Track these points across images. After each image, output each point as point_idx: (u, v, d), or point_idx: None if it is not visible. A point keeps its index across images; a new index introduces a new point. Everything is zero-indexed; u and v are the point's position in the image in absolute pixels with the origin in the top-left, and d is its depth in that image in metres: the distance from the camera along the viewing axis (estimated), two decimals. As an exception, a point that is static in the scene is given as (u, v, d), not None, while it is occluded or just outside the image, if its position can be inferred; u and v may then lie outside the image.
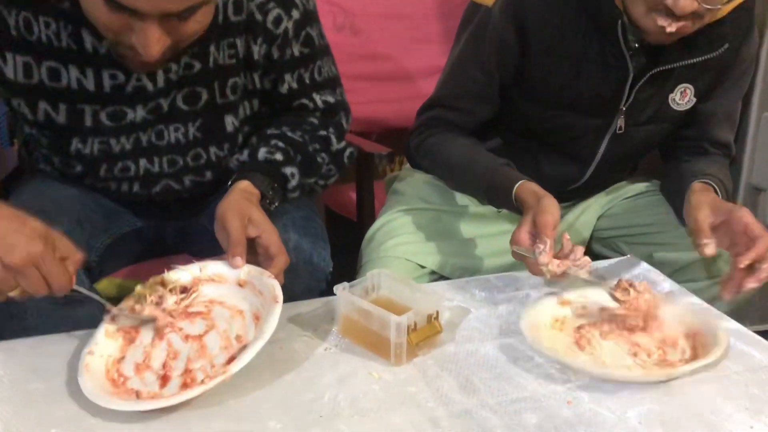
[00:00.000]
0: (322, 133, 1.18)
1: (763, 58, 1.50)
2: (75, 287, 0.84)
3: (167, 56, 0.93)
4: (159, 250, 1.29)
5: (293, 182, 1.12)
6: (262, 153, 1.11)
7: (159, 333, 0.89)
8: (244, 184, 1.05)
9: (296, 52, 1.14)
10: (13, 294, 0.80)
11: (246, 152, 1.13)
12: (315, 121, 1.19)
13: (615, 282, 1.00)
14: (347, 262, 1.28)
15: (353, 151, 1.24)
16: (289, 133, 1.15)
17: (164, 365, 0.85)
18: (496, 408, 0.79)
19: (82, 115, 1.04)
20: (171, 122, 1.09)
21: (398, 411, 0.79)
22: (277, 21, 1.09)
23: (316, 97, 1.19)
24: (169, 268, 0.96)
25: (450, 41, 2.05)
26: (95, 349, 0.85)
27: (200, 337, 0.89)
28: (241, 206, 0.98)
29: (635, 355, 0.89)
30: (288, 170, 1.11)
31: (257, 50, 1.10)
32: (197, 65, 1.06)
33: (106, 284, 1.22)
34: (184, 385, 0.81)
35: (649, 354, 0.89)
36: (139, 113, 1.06)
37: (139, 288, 0.91)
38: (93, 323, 0.92)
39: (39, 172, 1.21)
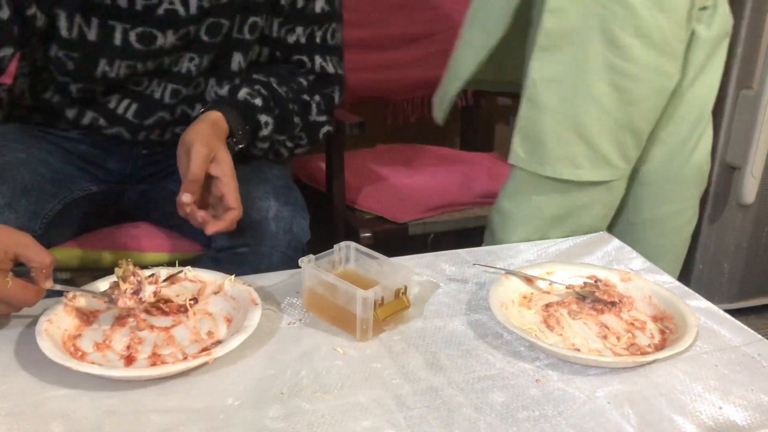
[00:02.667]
0: (305, 97, 1.16)
1: (742, 35, 1.49)
2: (49, 288, 0.81)
3: None
4: (114, 217, 1.24)
5: (264, 131, 1.09)
6: (242, 93, 1.09)
7: (120, 321, 0.86)
8: (216, 116, 1.02)
9: (317, 8, 1.14)
10: None
11: (226, 87, 1.11)
12: (304, 82, 1.17)
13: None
14: (317, 233, 1.24)
15: (331, 129, 1.21)
16: (275, 85, 1.13)
17: (128, 348, 0.81)
18: (463, 386, 0.77)
19: (112, 33, 1.02)
20: (189, 51, 1.09)
21: (362, 388, 0.76)
22: None
23: (317, 59, 1.18)
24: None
25: (424, 8, 2.02)
26: (54, 320, 0.82)
27: (167, 329, 0.85)
28: (210, 140, 0.96)
29: (605, 337, 0.88)
30: (263, 118, 1.09)
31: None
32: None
33: (65, 254, 1.17)
34: (153, 366, 0.77)
35: (619, 337, 0.88)
36: (169, 38, 1.05)
37: (118, 271, 0.86)
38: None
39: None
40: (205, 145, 0.94)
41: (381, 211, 1.54)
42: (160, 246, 1.20)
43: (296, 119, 1.13)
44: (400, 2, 2.00)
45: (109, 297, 0.85)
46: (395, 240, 1.48)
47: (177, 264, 0.96)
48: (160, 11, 1.02)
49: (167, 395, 0.74)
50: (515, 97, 2.20)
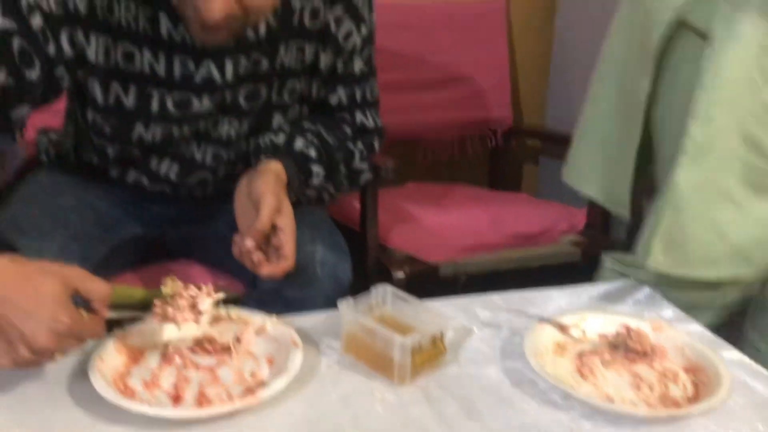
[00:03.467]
0: (350, 146, 1.19)
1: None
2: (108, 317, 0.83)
3: (232, 29, 0.93)
4: (159, 257, 1.28)
5: (315, 181, 1.13)
6: (299, 144, 1.12)
7: (166, 358, 0.89)
8: (278, 167, 1.05)
9: (356, 69, 1.16)
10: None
11: (282, 136, 1.14)
12: (348, 131, 1.20)
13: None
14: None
15: (370, 177, 1.25)
16: (324, 133, 1.16)
17: (175, 387, 0.84)
18: (500, 434, 0.79)
19: (149, 99, 1.05)
20: (227, 115, 1.11)
21: (401, 434, 0.78)
22: (348, 35, 1.11)
23: (358, 116, 1.21)
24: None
25: (457, 52, 2.07)
26: (105, 357, 0.85)
27: (212, 368, 0.88)
28: (277, 191, 0.99)
29: (638, 388, 0.89)
30: (315, 168, 1.12)
31: (324, 59, 1.12)
32: (264, 63, 1.08)
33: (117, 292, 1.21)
34: (199, 407, 0.80)
35: (651, 388, 0.89)
36: (204, 103, 1.07)
37: (165, 289, 0.88)
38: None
39: (42, 166, 1.21)
40: (275, 197, 0.97)
41: (413, 250, 1.57)
42: (207, 282, 1.24)
43: (342, 167, 1.17)
44: (431, 47, 2.05)
45: (165, 316, 0.87)
46: (427, 279, 1.51)
47: (221, 303, 0.99)
48: (197, 78, 1.05)
49: (214, 435, 0.77)
50: (544, 138, 2.24)
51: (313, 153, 1.12)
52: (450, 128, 2.11)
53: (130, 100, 1.05)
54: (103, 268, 1.15)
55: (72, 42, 0.98)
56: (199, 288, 0.88)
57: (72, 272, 0.79)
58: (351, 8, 1.11)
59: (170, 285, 0.87)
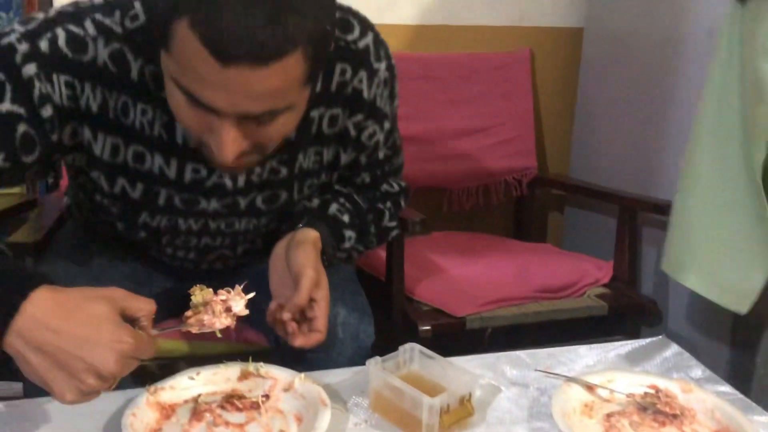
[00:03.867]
0: (380, 206, 1.20)
1: None
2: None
3: (250, 160, 0.90)
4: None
5: (346, 245, 1.13)
6: (333, 209, 1.13)
7: (197, 415, 0.90)
8: (315, 236, 1.05)
9: (381, 155, 1.16)
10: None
11: (316, 201, 1.14)
12: (377, 193, 1.21)
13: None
14: (375, 320, 1.28)
15: (399, 233, 1.26)
16: (355, 196, 1.17)
17: None
18: (528, 499, 0.79)
19: (157, 195, 1.04)
20: (244, 216, 1.10)
21: (429, 497, 0.78)
22: (371, 135, 1.11)
23: (384, 187, 1.22)
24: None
25: (483, 102, 2.11)
26: (138, 413, 0.86)
27: (241, 425, 0.89)
28: (317, 265, 1.00)
29: (668, 450, 0.88)
30: (348, 233, 1.13)
31: (345, 158, 1.12)
32: (284, 171, 1.06)
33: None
34: None
35: (683, 451, 0.88)
36: (212, 204, 1.06)
37: (195, 298, 0.86)
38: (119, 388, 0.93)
39: (79, 219, 1.23)
40: (315, 272, 0.97)
41: (439, 303, 1.57)
42: (230, 337, 1.26)
43: (372, 228, 1.18)
44: (456, 98, 2.09)
45: (201, 325, 0.86)
46: (453, 333, 1.51)
47: (250, 359, 1.00)
48: (208, 183, 1.04)
49: (243, 495, 0.77)
50: (568, 188, 2.25)
51: (346, 218, 1.12)
52: (475, 177, 2.13)
53: (136, 193, 1.03)
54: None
55: (74, 134, 0.96)
56: (229, 291, 0.86)
57: (115, 293, 0.77)
58: (373, 113, 1.09)
59: (199, 293, 0.85)
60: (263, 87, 0.77)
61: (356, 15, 1.05)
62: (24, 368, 0.73)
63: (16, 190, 1.66)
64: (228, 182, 1.04)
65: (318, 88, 1.01)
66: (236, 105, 0.79)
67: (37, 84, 0.88)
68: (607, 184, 2.03)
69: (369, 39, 1.04)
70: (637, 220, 1.82)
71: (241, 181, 1.05)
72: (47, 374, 0.71)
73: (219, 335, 0.87)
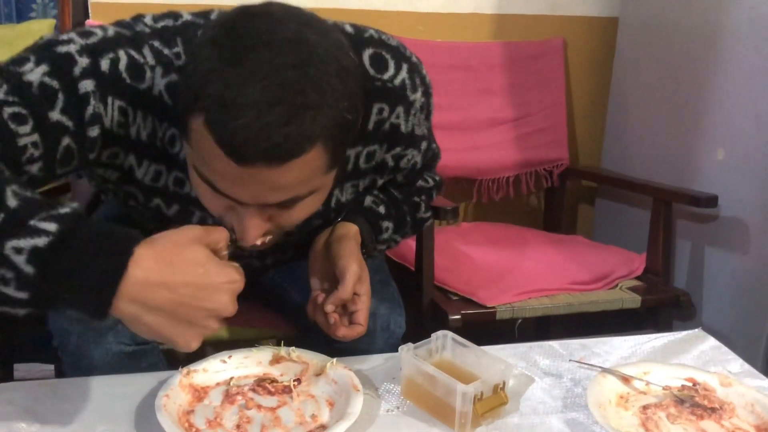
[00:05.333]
0: (416, 199, 1.19)
1: None
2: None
3: (275, 238, 0.89)
4: None
5: (384, 236, 1.13)
6: (368, 200, 1.12)
7: (229, 398, 0.90)
8: (355, 231, 1.05)
9: (418, 167, 1.14)
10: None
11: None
12: (412, 187, 1.20)
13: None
14: (405, 311, 1.27)
15: (433, 222, 1.24)
16: (390, 187, 1.16)
17: (238, 427, 0.85)
18: (563, 490, 0.77)
19: (191, 215, 1.02)
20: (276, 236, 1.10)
21: (462, 484, 0.77)
22: (409, 160, 1.10)
23: (419, 182, 1.21)
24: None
25: (515, 92, 2.08)
26: (171, 395, 0.87)
27: (273, 409, 0.89)
28: (360, 259, 0.99)
29: (707, 444, 0.87)
30: (385, 224, 1.12)
31: (382, 181, 1.12)
32: (320, 207, 1.05)
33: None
34: None
35: (722, 445, 0.86)
36: None
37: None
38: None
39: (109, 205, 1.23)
40: (359, 266, 0.97)
41: (469, 293, 1.56)
42: (260, 323, 1.26)
43: (408, 218, 1.17)
44: (488, 87, 2.07)
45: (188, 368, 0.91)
46: (483, 323, 1.50)
47: (282, 344, 1.00)
48: None
49: (276, 478, 0.77)
50: (600, 179, 2.22)
51: (382, 209, 1.12)
52: (506, 168, 2.11)
53: (171, 212, 1.02)
54: None
55: (114, 156, 0.93)
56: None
57: (194, 231, 0.75)
58: (412, 142, 1.07)
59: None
60: (282, 182, 0.76)
61: (389, 47, 1.01)
62: (139, 329, 0.72)
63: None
64: None
65: None
66: (256, 197, 0.78)
67: (92, 102, 0.84)
68: (639, 177, 2.00)
69: (404, 73, 1.01)
70: (671, 211, 1.78)
71: None
72: (169, 330, 0.71)
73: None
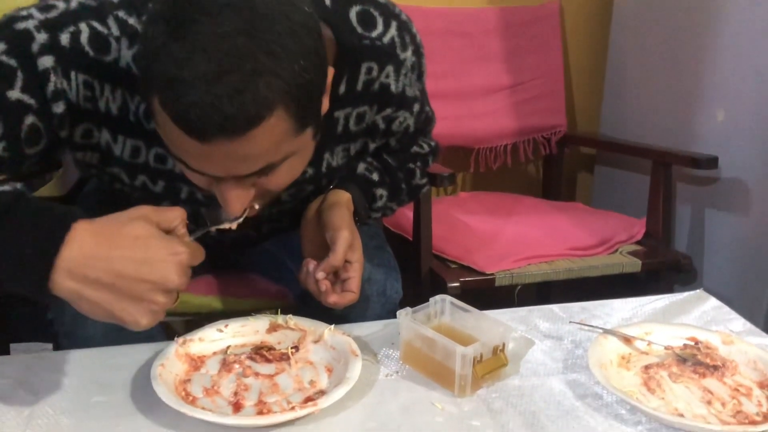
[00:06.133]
0: (411, 165, 1.17)
1: None
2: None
3: (265, 202, 0.87)
4: (213, 267, 1.30)
5: (379, 203, 1.11)
6: (361, 168, 1.10)
7: (226, 366, 0.89)
8: (347, 198, 1.03)
9: (411, 131, 1.12)
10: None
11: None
12: (407, 153, 1.18)
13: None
14: (403, 280, 1.26)
15: (429, 188, 1.22)
16: (384, 155, 1.14)
17: (236, 394, 0.84)
18: (565, 449, 0.77)
19: (179, 191, 1.01)
20: (269, 205, 1.06)
21: (463, 446, 0.77)
22: (401, 122, 1.08)
23: (414, 148, 1.19)
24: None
25: (511, 58, 2.05)
26: (167, 364, 0.86)
27: (271, 376, 0.88)
28: (352, 226, 0.98)
29: (709, 403, 0.86)
30: (379, 191, 1.11)
31: (374, 145, 1.09)
32: (310, 171, 1.03)
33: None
34: (260, 414, 0.80)
35: (724, 404, 0.85)
36: None
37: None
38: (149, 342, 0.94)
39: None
40: (351, 233, 0.96)
41: (468, 261, 1.55)
42: (256, 293, 1.25)
43: (403, 185, 1.15)
44: (484, 54, 2.04)
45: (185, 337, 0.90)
46: (482, 290, 1.49)
47: (278, 312, 0.99)
48: None
49: (275, 444, 0.76)
50: (598, 145, 2.20)
51: (375, 177, 1.10)
52: (503, 136, 2.09)
53: (158, 188, 1.00)
54: None
55: (87, 134, 0.91)
56: None
57: (143, 210, 0.74)
58: (403, 103, 1.05)
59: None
60: (248, 152, 0.73)
61: (377, 4, 0.98)
62: (83, 308, 0.70)
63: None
64: None
65: (342, 89, 0.98)
66: (228, 170, 0.76)
67: (52, 78, 0.82)
68: (639, 142, 1.98)
69: (393, 30, 0.98)
70: (671, 175, 1.76)
71: None
72: (113, 306, 0.69)
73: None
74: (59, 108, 0.84)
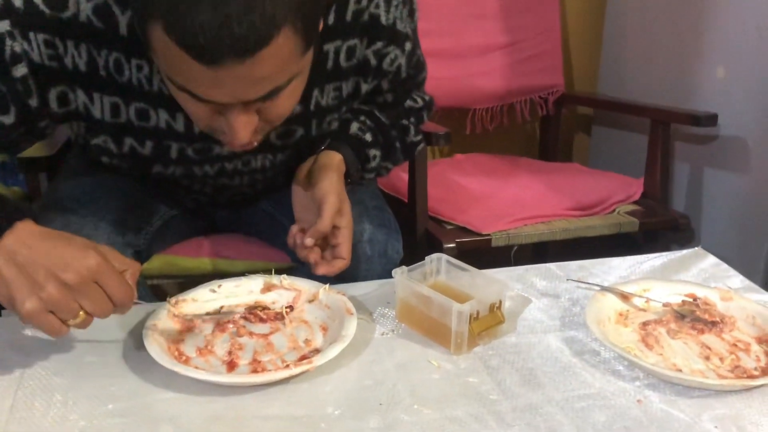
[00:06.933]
0: (404, 122, 1.15)
1: None
2: (137, 300, 0.78)
3: (264, 133, 0.86)
4: (208, 230, 1.29)
5: (373, 164, 1.09)
6: (354, 128, 1.08)
7: (220, 326, 0.88)
8: (339, 159, 1.02)
9: (404, 76, 1.10)
10: (74, 322, 0.72)
11: (335, 122, 1.09)
12: (400, 108, 1.16)
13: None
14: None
15: (424, 146, 1.21)
16: (377, 112, 1.12)
17: (230, 353, 0.83)
18: (563, 404, 0.76)
19: (168, 149, 0.99)
20: (260, 153, 1.06)
21: (460, 402, 0.76)
22: (393, 61, 1.05)
23: (407, 103, 1.17)
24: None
25: (507, 16, 2.01)
26: (159, 324, 0.85)
27: (266, 336, 0.87)
28: (341, 191, 0.96)
29: (707, 358, 0.85)
30: (372, 152, 1.08)
31: (366, 87, 1.06)
32: (297, 108, 1.00)
33: (159, 261, 1.22)
34: (254, 372, 0.79)
35: (722, 359, 0.85)
36: (226, 148, 0.99)
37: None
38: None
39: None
40: (338, 198, 0.94)
41: (464, 222, 1.54)
42: (251, 255, 1.23)
43: (398, 144, 1.13)
44: (479, 12, 2.00)
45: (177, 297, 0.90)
46: (478, 251, 1.48)
47: (273, 271, 0.98)
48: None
49: (269, 402, 0.76)
50: (596, 105, 2.17)
51: (368, 137, 1.08)
52: (499, 96, 2.06)
53: (146, 150, 0.99)
54: (156, 240, 1.15)
55: (64, 100, 0.91)
56: None
57: (104, 248, 0.75)
58: (394, 37, 1.02)
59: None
60: (257, 74, 0.72)
61: None
62: None
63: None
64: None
65: (332, 19, 0.95)
66: (236, 95, 0.75)
67: (8, 42, 0.82)
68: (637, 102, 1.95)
69: None
70: (669, 133, 1.74)
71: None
72: (12, 283, 0.69)
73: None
74: (19, 71, 0.84)
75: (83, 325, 0.73)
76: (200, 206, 1.21)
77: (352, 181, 1.05)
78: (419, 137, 1.19)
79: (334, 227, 0.95)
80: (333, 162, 1.01)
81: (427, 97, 1.19)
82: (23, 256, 0.70)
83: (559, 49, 2.08)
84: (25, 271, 0.70)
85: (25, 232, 0.72)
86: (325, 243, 0.96)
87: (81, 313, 0.72)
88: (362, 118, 1.10)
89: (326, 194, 0.94)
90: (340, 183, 0.98)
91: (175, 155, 1.01)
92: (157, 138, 0.97)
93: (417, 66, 1.12)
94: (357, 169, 1.06)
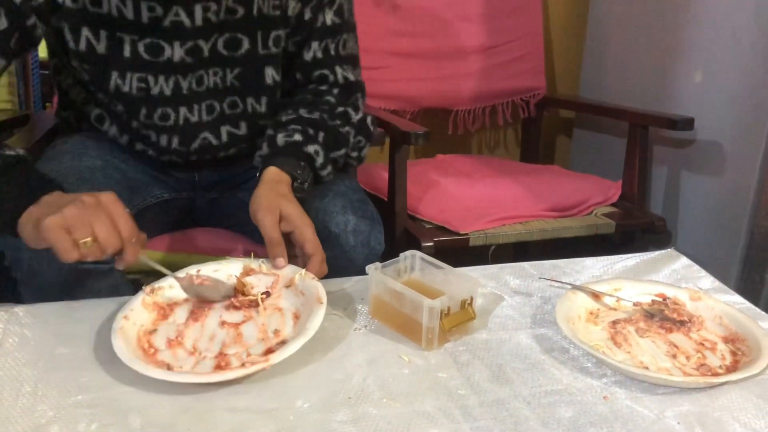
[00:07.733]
0: (340, 109, 1.18)
1: None
2: (144, 258, 0.87)
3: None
4: (186, 223, 1.28)
5: (320, 159, 1.11)
6: (280, 139, 1.11)
7: (194, 315, 0.89)
8: (272, 172, 1.04)
9: (327, 20, 1.14)
10: (84, 247, 0.79)
11: (264, 144, 1.13)
12: (332, 99, 1.19)
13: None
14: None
15: (373, 117, 1.24)
16: (306, 114, 1.15)
17: (194, 348, 0.83)
18: (530, 399, 0.77)
19: (121, 45, 1.04)
20: (210, 66, 1.10)
21: (429, 397, 0.77)
22: (317, 10, 1.09)
23: (338, 71, 1.19)
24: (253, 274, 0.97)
25: (490, 19, 2.03)
26: (131, 315, 0.85)
27: (237, 325, 0.88)
28: (270, 201, 0.98)
29: (674, 356, 0.86)
30: (311, 148, 1.10)
31: (292, 6, 1.11)
32: (240, 11, 1.06)
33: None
34: (218, 367, 0.79)
35: (688, 357, 0.86)
36: (176, 51, 1.06)
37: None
38: (115, 295, 0.94)
39: (70, 132, 1.20)
40: (268, 211, 0.96)
41: (442, 221, 1.54)
42: (233, 250, 1.23)
43: (344, 129, 1.16)
44: (463, 14, 2.01)
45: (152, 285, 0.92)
46: (456, 250, 1.49)
47: (252, 255, 0.98)
48: (166, 23, 1.04)
49: (238, 395, 0.76)
50: (578, 108, 2.19)
51: (299, 137, 1.10)
52: (482, 98, 2.07)
53: (101, 47, 1.04)
54: None
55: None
56: None
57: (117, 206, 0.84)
58: None
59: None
60: None
61: None
62: (30, 236, 0.81)
63: (8, 105, 1.62)
64: (186, 20, 1.04)
65: None
66: None
67: None
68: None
69: None
70: (647, 137, 1.76)
71: (199, 19, 1.05)
72: (41, 216, 0.78)
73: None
74: None
75: (91, 253, 0.80)
76: (180, 184, 1.21)
77: (308, 180, 1.07)
78: (361, 114, 1.22)
79: (286, 235, 0.97)
80: (264, 178, 1.04)
81: (360, 78, 1.22)
82: (51, 198, 0.82)
83: (541, 52, 2.10)
84: (51, 203, 0.81)
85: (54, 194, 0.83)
86: (298, 251, 0.98)
87: (90, 239, 0.79)
88: (289, 126, 1.13)
89: (255, 212, 0.97)
90: (269, 194, 1.00)
91: (129, 54, 1.04)
92: (109, 28, 1.02)
93: (342, 17, 1.17)
94: (302, 168, 1.08)
